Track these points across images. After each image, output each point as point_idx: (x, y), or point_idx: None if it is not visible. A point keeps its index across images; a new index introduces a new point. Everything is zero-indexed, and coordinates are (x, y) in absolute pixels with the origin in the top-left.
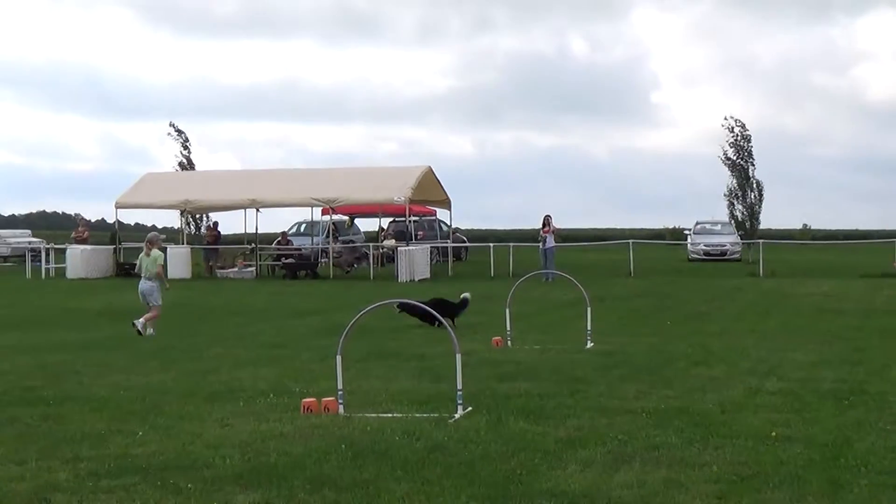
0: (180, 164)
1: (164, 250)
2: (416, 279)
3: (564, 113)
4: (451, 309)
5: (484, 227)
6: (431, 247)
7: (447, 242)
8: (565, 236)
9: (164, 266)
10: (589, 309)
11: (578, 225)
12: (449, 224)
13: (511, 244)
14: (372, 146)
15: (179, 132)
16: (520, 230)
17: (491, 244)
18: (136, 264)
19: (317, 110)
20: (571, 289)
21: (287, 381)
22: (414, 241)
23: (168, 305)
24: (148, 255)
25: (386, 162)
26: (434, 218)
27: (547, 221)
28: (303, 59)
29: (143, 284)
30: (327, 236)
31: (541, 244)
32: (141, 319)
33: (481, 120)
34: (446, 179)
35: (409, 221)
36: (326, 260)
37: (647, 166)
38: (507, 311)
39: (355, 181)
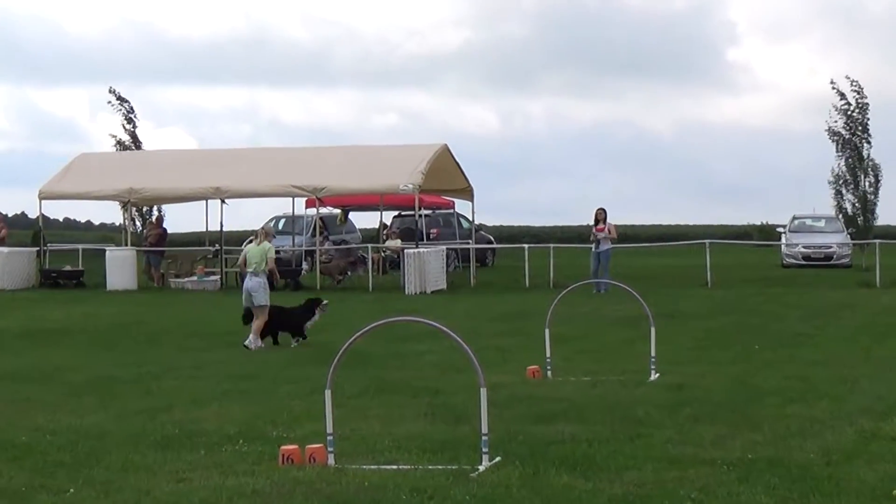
0: (121, 142)
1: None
2: (429, 290)
3: (614, 75)
4: (294, 318)
5: (516, 224)
6: (448, 248)
7: (468, 243)
8: (623, 235)
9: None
10: (653, 329)
11: (637, 220)
12: (471, 219)
13: (551, 245)
14: (364, 118)
15: (122, 100)
16: (562, 227)
17: (525, 245)
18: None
19: (292, 72)
20: (631, 303)
21: (261, 422)
22: (426, 241)
23: (108, 325)
24: (259, 244)
25: (383, 138)
26: (451, 211)
27: (600, 216)
28: (274, 5)
29: (250, 281)
30: (313, 235)
31: (594, 245)
32: (251, 338)
33: (507, 85)
34: (465, 162)
35: (420, 216)
36: (310, 266)
37: (725, 144)
38: (547, 331)
39: (349, 164)
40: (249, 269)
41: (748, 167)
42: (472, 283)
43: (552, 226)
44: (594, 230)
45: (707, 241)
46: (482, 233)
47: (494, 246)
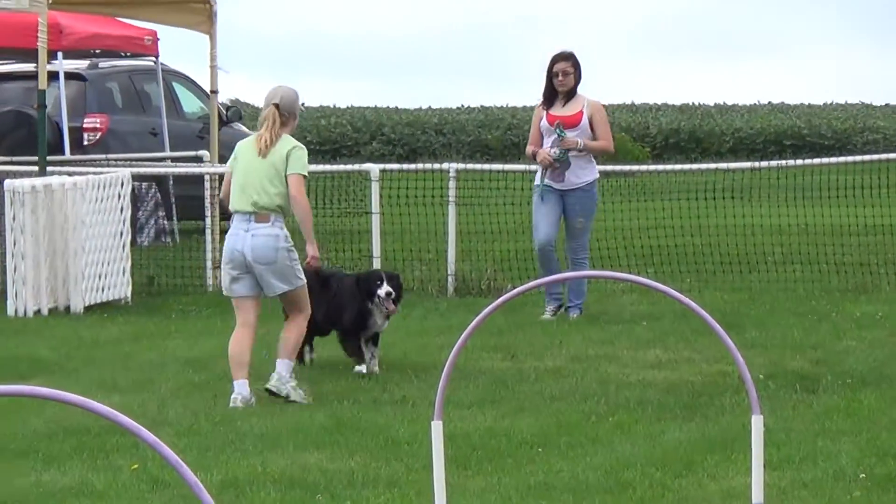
0: None
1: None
2: (79, 304)
3: None
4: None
5: (345, 103)
6: (138, 176)
7: (202, 161)
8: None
9: None
10: (759, 423)
11: (690, 95)
12: (208, 91)
13: (451, 167)
14: None
15: None
16: (472, 112)
17: (374, 168)
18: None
19: None
20: (678, 341)
21: None
22: (71, 153)
23: None
24: (266, 146)
25: None
26: (150, 65)
27: (564, 82)
28: None
29: (246, 236)
30: None
31: (543, 171)
32: (284, 374)
33: None
34: None
35: (54, 79)
36: None
37: None
38: (434, 435)
39: None
40: (239, 209)
41: None
42: (209, 279)
43: (443, 108)
44: (545, 118)
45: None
46: (238, 128)
47: None
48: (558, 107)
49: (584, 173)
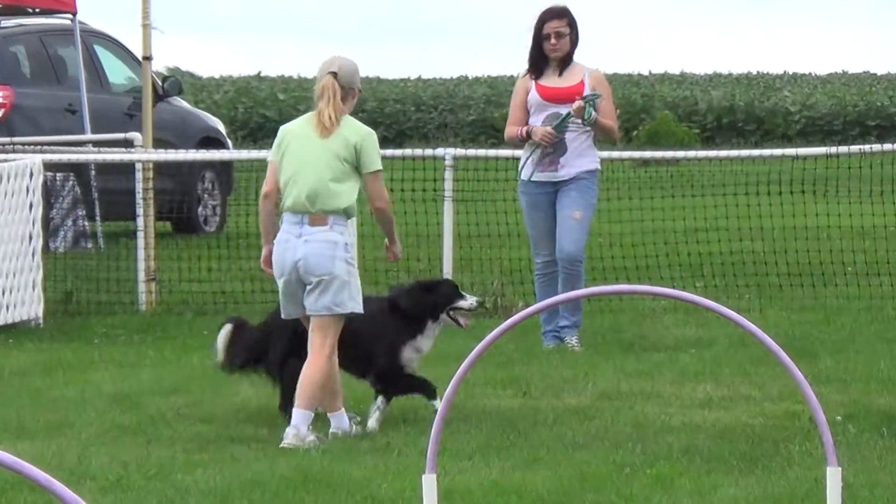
0: None
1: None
2: None
3: None
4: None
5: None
6: (51, 169)
7: (134, 144)
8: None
9: None
10: (836, 476)
11: (749, 62)
12: (139, 57)
13: (447, 153)
14: None
15: None
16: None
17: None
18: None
19: None
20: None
21: None
22: None
23: None
24: (331, 122)
25: None
26: (66, 25)
27: (557, 46)
28: None
29: (307, 242)
30: None
31: (525, 159)
32: (303, 428)
33: None
34: None
35: None
36: None
37: None
38: (426, 491)
39: None
40: (290, 207)
41: None
42: (141, 295)
43: (439, 78)
44: (533, 90)
45: None
46: (177, 104)
47: (234, 156)
48: (552, 76)
49: (584, 161)
